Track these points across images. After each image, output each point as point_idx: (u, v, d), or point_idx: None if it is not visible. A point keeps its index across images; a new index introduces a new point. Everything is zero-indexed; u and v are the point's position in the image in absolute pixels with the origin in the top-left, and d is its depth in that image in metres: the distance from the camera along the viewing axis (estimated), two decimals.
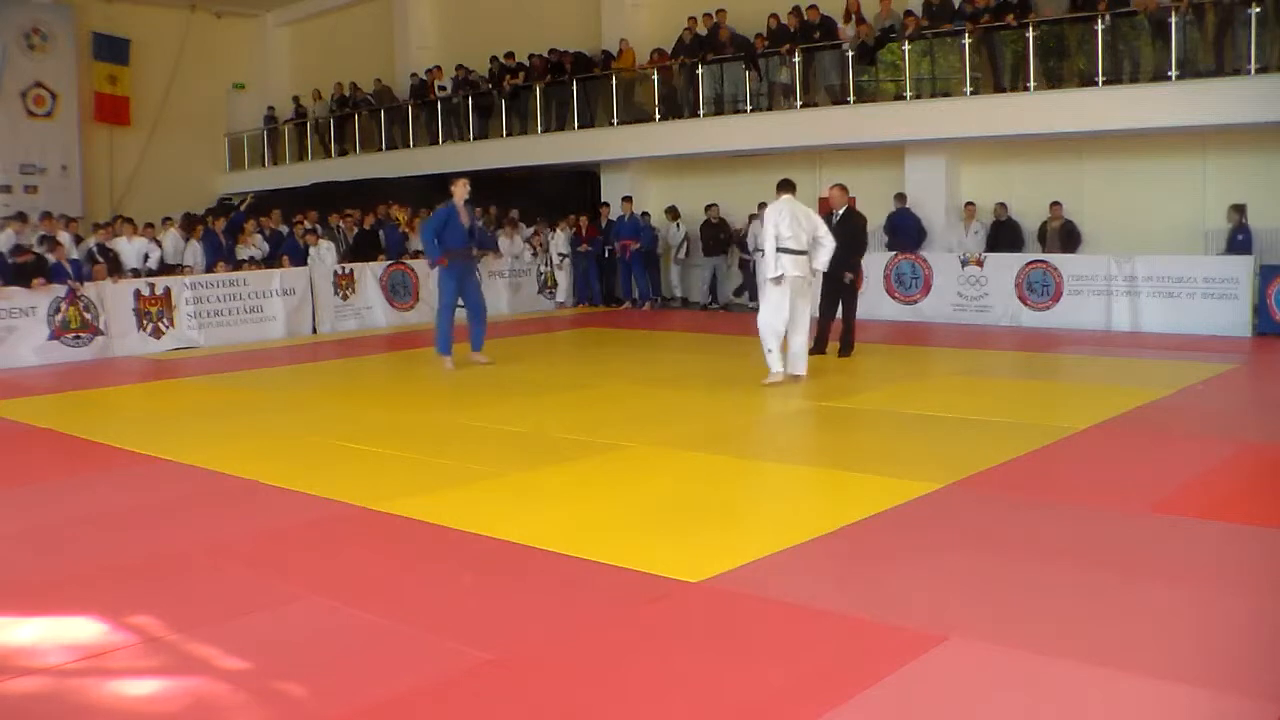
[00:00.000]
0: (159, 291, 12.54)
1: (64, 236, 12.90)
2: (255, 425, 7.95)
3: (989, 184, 14.21)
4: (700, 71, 15.78)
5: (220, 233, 13.97)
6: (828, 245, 8.86)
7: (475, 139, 18.67)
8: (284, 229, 14.88)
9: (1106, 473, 5.95)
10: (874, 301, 13.09)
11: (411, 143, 19.80)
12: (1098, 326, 12.07)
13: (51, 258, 11.93)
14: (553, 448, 6.78)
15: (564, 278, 16.62)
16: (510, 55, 18.69)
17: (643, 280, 16.28)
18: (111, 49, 21.62)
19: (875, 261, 13.28)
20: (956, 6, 13.79)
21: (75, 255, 12.50)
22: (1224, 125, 11.67)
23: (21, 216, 14.14)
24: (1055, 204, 13.19)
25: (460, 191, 10.26)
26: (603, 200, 17.31)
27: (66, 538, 5.23)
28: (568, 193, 17.98)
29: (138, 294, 12.35)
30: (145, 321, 12.41)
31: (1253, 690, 3.27)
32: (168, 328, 12.59)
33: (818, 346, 9.94)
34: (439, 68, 19.89)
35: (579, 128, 17.24)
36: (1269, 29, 11.33)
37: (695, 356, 11.25)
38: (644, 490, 5.79)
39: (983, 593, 4.12)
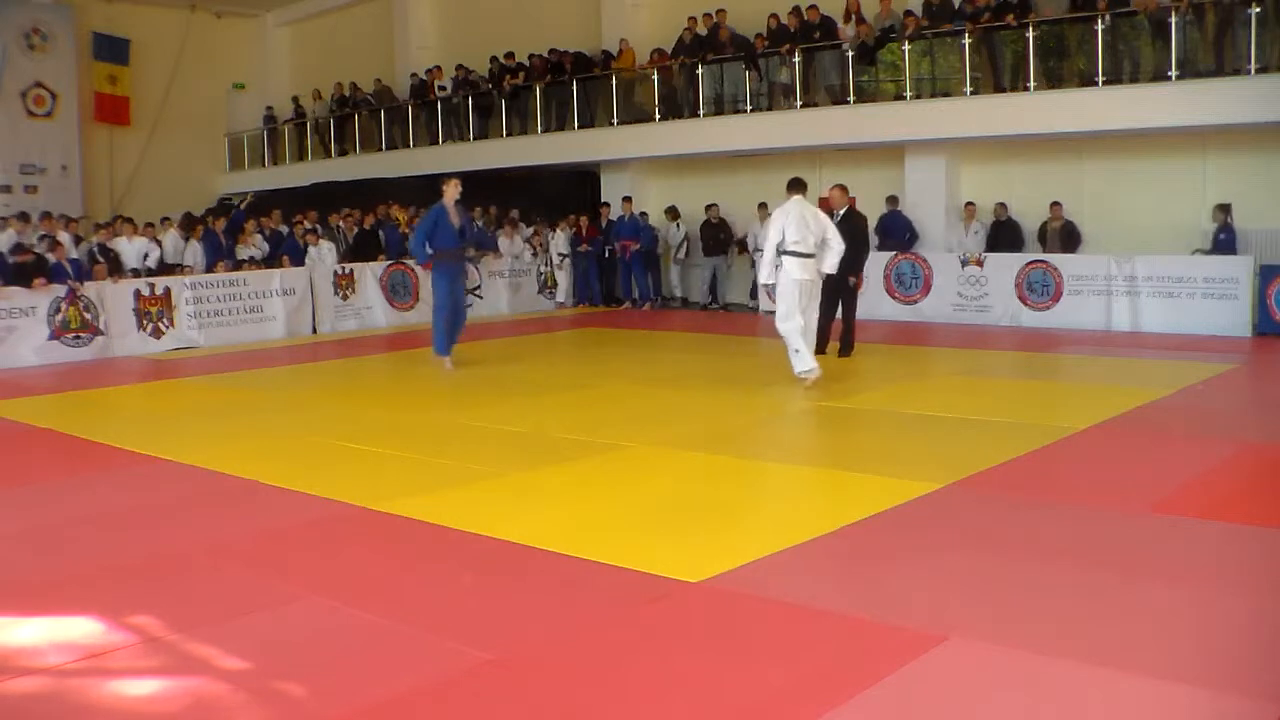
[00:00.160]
0: (159, 291, 12.54)
1: (64, 236, 12.90)
2: (255, 425, 7.95)
3: (989, 184, 14.21)
4: (700, 71, 15.78)
5: (220, 233, 13.97)
6: (836, 248, 8.74)
7: (475, 139, 18.67)
8: (284, 229, 14.88)
9: (1106, 473, 5.95)
10: (874, 301, 13.08)
11: (411, 143, 19.80)
12: (1098, 326, 12.07)
13: (51, 257, 11.94)
14: (553, 448, 6.78)
15: (564, 278, 16.62)
16: (510, 55, 18.69)
17: (643, 280, 16.27)
18: (111, 49, 21.61)
19: (875, 261, 13.26)
20: (956, 6, 13.79)
21: (75, 255, 12.51)
22: (1224, 125, 11.67)
23: (23, 216, 14.14)
24: (1055, 204, 13.20)
25: (451, 192, 10.22)
26: (603, 200, 17.31)
27: (66, 538, 5.23)
28: (568, 193, 17.98)
29: (138, 294, 12.35)
30: (145, 321, 12.41)
31: (1253, 690, 3.27)
32: (168, 328, 12.58)
33: (817, 347, 9.92)
34: (439, 68, 19.89)
35: (579, 128, 17.24)
36: (1269, 29, 11.32)
37: (695, 356, 11.25)
38: (644, 490, 5.79)
39: (983, 593, 4.12)
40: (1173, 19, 11.81)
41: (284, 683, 3.57)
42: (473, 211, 16.10)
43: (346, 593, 4.31)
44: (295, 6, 23.88)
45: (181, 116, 22.45)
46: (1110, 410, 7.39)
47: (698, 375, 9.76)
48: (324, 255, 14.36)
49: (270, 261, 14.10)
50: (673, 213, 16.44)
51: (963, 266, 13.17)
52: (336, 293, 14.16)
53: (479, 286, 15.55)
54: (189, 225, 14.27)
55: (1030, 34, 12.78)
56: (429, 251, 10.10)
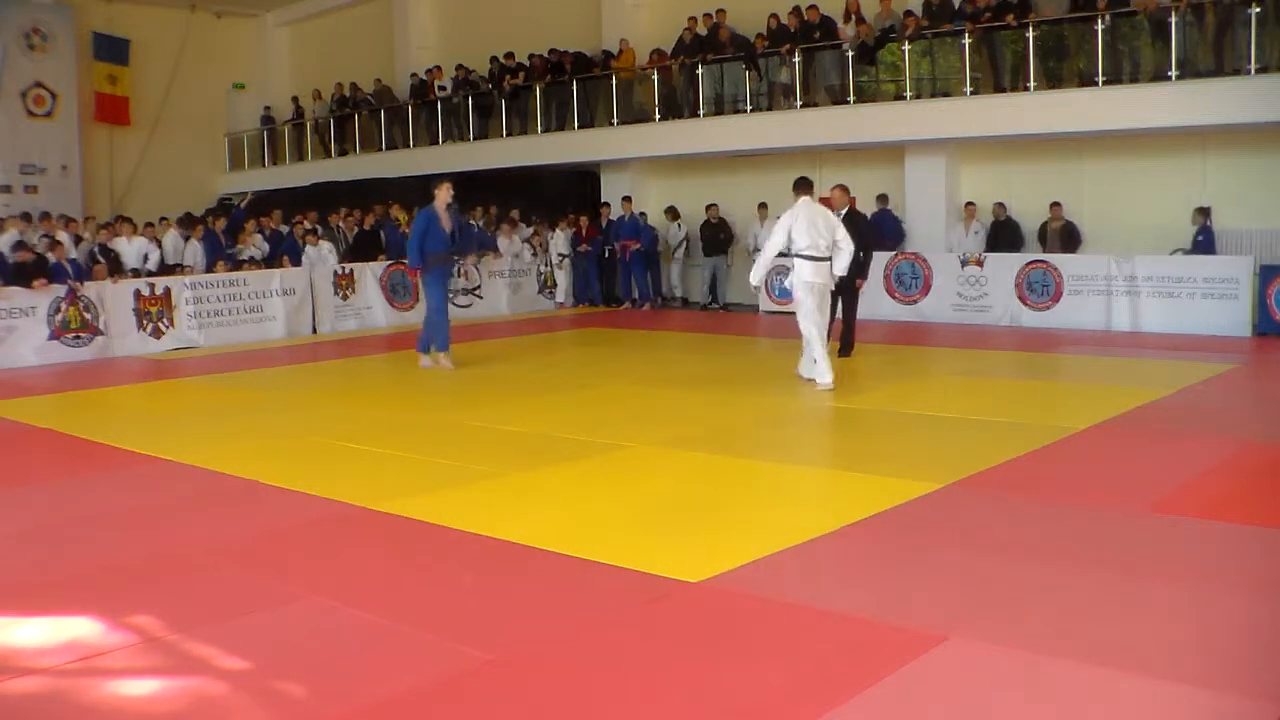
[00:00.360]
0: (159, 291, 12.54)
1: (63, 236, 12.90)
2: (255, 425, 7.95)
3: (989, 184, 14.21)
4: (700, 71, 15.78)
5: (220, 232, 13.97)
6: (846, 250, 8.61)
7: (475, 139, 18.67)
8: (284, 229, 14.89)
9: (1106, 473, 5.95)
10: (874, 301, 13.08)
11: (411, 143, 19.80)
12: (1098, 326, 12.07)
13: (51, 257, 11.94)
14: (553, 448, 6.78)
15: (563, 278, 16.62)
16: (510, 55, 18.69)
17: (643, 280, 16.27)
18: (111, 49, 21.62)
19: (874, 261, 13.27)
20: (956, 6, 13.79)
21: (74, 255, 12.51)
22: (1224, 125, 11.67)
23: (25, 216, 14.14)
24: (1055, 204, 13.19)
25: (443, 196, 10.25)
26: (603, 200, 17.31)
27: (66, 538, 5.23)
28: (568, 193, 17.98)
29: (138, 294, 12.35)
30: (145, 321, 12.41)
31: (1253, 690, 3.27)
32: (168, 328, 12.58)
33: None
34: (439, 68, 19.89)
35: (579, 128, 17.24)
36: (1269, 29, 11.32)
37: (695, 356, 11.25)
38: (644, 490, 5.79)
39: (983, 593, 4.12)
40: (1173, 19, 11.82)
41: (284, 683, 3.57)
42: (473, 212, 16.17)
43: (346, 593, 4.31)
44: (295, 6, 23.88)
45: (181, 116, 22.46)
46: (1110, 410, 7.39)
47: (698, 375, 9.76)
48: (323, 255, 14.36)
49: (270, 261, 14.10)
50: (673, 213, 16.45)
51: (962, 266, 13.18)
52: (336, 293, 14.17)
53: (479, 286, 15.56)
54: (188, 224, 14.27)
55: (1030, 34, 12.78)
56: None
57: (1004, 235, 13.57)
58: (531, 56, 18.37)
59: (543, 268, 16.53)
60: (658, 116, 16.30)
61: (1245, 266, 11.40)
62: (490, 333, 13.55)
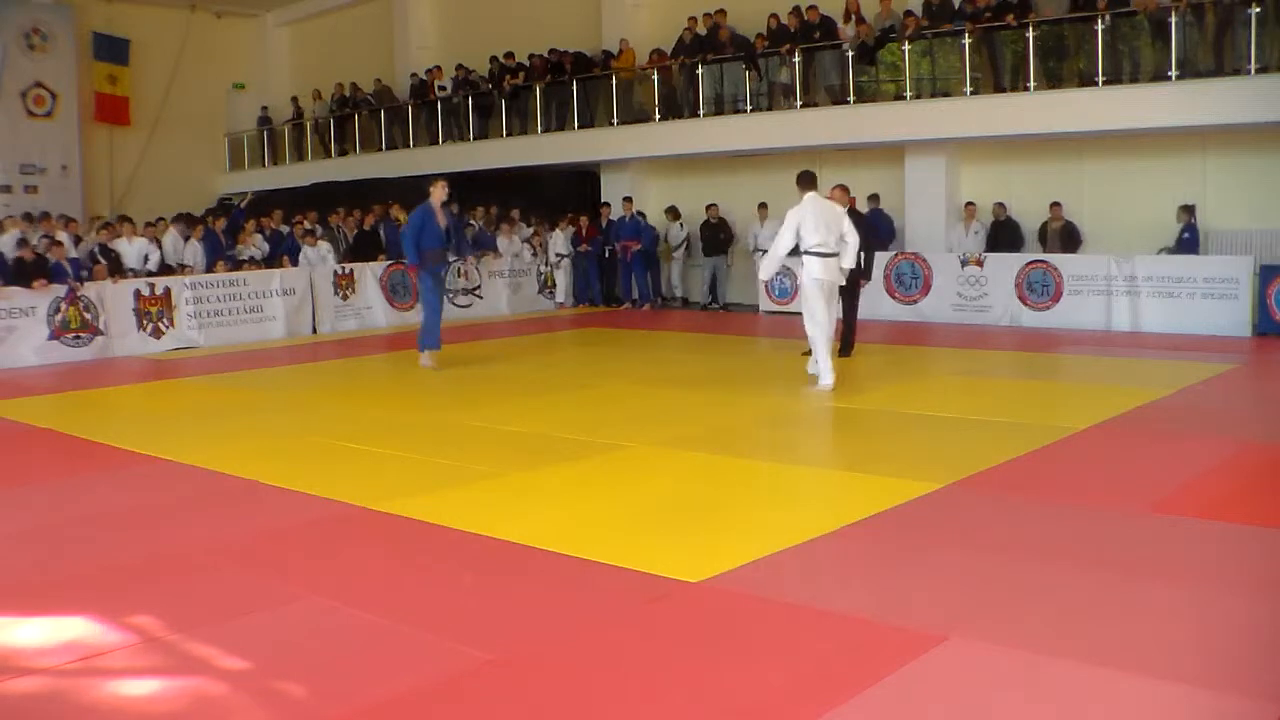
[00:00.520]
0: (159, 291, 12.54)
1: (63, 236, 12.90)
2: (255, 425, 7.95)
3: (989, 184, 14.20)
4: (700, 71, 15.78)
5: (220, 232, 13.97)
6: (852, 243, 8.52)
7: (475, 139, 18.67)
8: (284, 229, 14.89)
9: (1106, 473, 5.95)
10: (874, 301, 13.07)
11: (411, 143, 19.80)
12: (1098, 326, 12.07)
13: (51, 257, 11.93)
14: (553, 448, 6.78)
15: (562, 278, 16.61)
16: (510, 55, 18.69)
17: (643, 280, 16.27)
18: (111, 49, 21.62)
19: (874, 261, 13.27)
20: (956, 6, 13.79)
21: (74, 254, 12.50)
22: (1224, 125, 11.67)
23: (28, 217, 14.14)
24: (1055, 204, 13.19)
25: (438, 193, 10.26)
26: (603, 200, 17.31)
27: (66, 538, 5.23)
28: (568, 193, 17.98)
29: (138, 294, 12.36)
30: (145, 321, 12.41)
31: (1253, 690, 3.27)
32: (168, 328, 12.59)
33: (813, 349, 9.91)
34: (439, 68, 19.89)
35: (579, 128, 17.24)
36: (1269, 29, 11.32)
37: (695, 356, 11.25)
38: (644, 490, 5.79)
39: (983, 593, 4.12)
40: (1173, 19, 11.81)
41: (284, 683, 3.57)
42: (474, 212, 16.17)
43: (346, 593, 4.31)
44: (295, 6, 23.88)
45: (181, 116, 22.46)
46: (1110, 410, 7.39)
47: (698, 375, 9.76)
48: (322, 256, 14.37)
49: (270, 261, 14.10)
50: (673, 212, 16.45)
51: (962, 266, 13.18)
52: (336, 293, 14.17)
53: (479, 286, 15.56)
54: (187, 224, 14.26)
55: (1030, 34, 12.78)
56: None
57: (1004, 235, 13.56)
58: (531, 56, 18.37)
59: (543, 268, 16.53)
60: (658, 116, 16.31)
61: (1245, 266, 11.39)
62: (490, 333, 13.55)
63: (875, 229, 13.87)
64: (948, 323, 13.09)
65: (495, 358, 11.23)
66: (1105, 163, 13.30)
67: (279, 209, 15.80)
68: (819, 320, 8.43)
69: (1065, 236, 13.09)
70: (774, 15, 15.23)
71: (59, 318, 11.66)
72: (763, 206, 15.38)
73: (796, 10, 15.01)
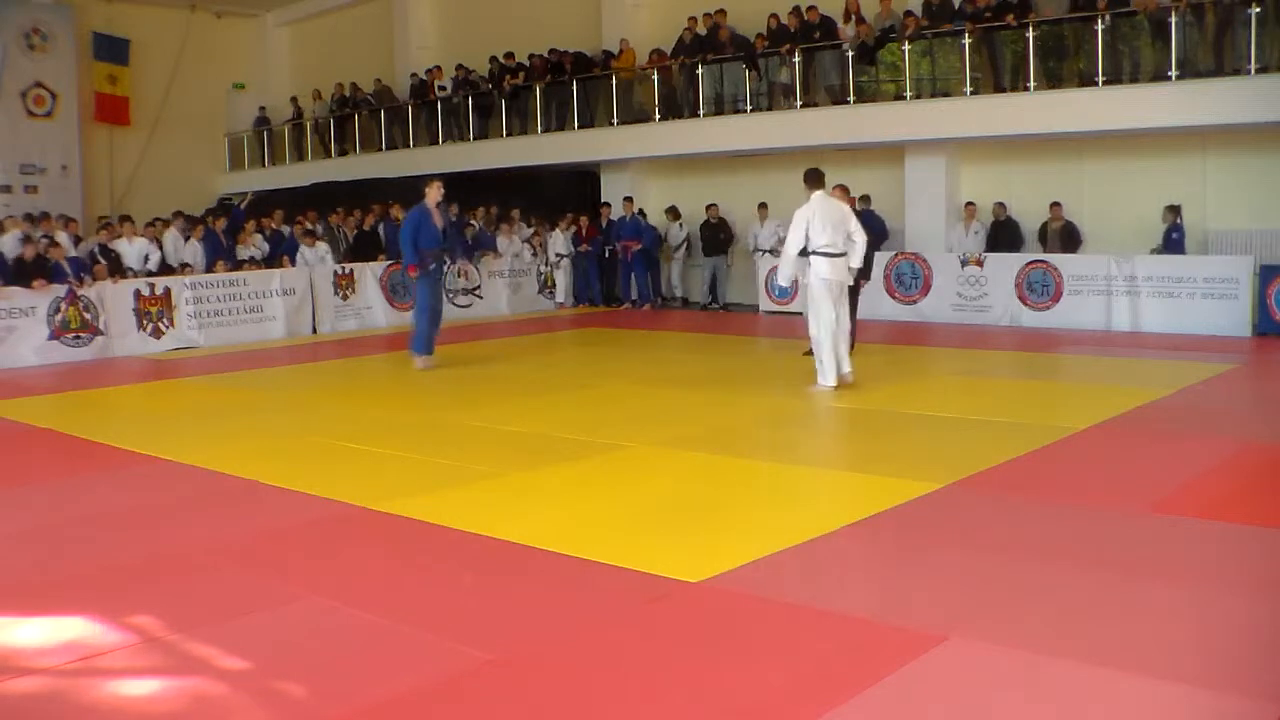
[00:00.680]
0: (159, 291, 12.54)
1: (62, 237, 12.90)
2: (255, 425, 7.95)
3: (989, 184, 14.20)
4: (700, 71, 15.78)
5: (220, 232, 13.97)
6: (859, 242, 8.45)
7: (475, 139, 18.67)
8: (285, 229, 14.89)
9: (1106, 473, 5.95)
10: (874, 301, 13.07)
11: (411, 143, 19.79)
12: (1098, 326, 12.07)
13: (50, 258, 11.93)
14: (553, 448, 6.78)
15: (562, 278, 16.61)
16: (510, 55, 18.69)
17: (643, 280, 16.27)
18: (111, 49, 21.61)
19: (875, 262, 13.27)
20: (956, 6, 13.79)
21: (74, 254, 12.50)
22: (1224, 125, 11.67)
23: (29, 217, 14.14)
24: (1055, 204, 13.19)
25: (433, 194, 10.25)
26: (603, 200, 17.31)
27: (66, 538, 5.23)
28: (568, 193, 17.98)
29: (138, 294, 12.35)
30: (145, 321, 12.41)
31: (1253, 690, 3.27)
32: (168, 328, 12.58)
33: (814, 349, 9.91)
34: (439, 68, 19.89)
35: (579, 128, 17.24)
36: (1269, 29, 11.32)
37: (695, 356, 11.25)
38: (644, 490, 5.79)
39: (983, 593, 4.12)
40: (1173, 19, 11.81)
41: (284, 683, 3.57)
42: (474, 212, 16.17)
43: (346, 593, 4.31)
44: (295, 6, 23.88)
45: (181, 116, 22.45)
46: (1110, 410, 7.39)
47: (698, 375, 9.76)
48: (320, 256, 14.37)
49: (270, 262, 14.10)
50: (673, 212, 16.44)
51: (962, 266, 13.18)
52: (336, 293, 14.17)
53: (479, 286, 15.56)
54: (186, 223, 14.27)
55: (1030, 34, 12.78)
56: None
57: (1004, 235, 13.56)
58: (531, 56, 18.37)
59: (543, 268, 16.53)
60: (658, 116, 16.30)
61: (1245, 266, 11.40)
62: (490, 333, 13.55)
63: (869, 229, 13.87)
64: (948, 323, 13.09)
65: (495, 358, 11.23)
66: (1105, 163, 13.30)
67: (279, 209, 15.80)
68: (823, 320, 8.37)
69: (1065, 236, 13.09)
70: (774, 15, 15.22)
71: (59, 318, 11.66)
72: (763, 206, 15.39)
73: (796, 10, 15.01)
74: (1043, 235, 13.34)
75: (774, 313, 14.79)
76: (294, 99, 22.93)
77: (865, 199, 14.09)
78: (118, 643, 3.86)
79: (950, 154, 14.20)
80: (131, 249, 13.17)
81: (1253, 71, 11.28)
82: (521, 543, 4.81)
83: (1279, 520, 4.90)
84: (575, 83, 17.28)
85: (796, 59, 14.69)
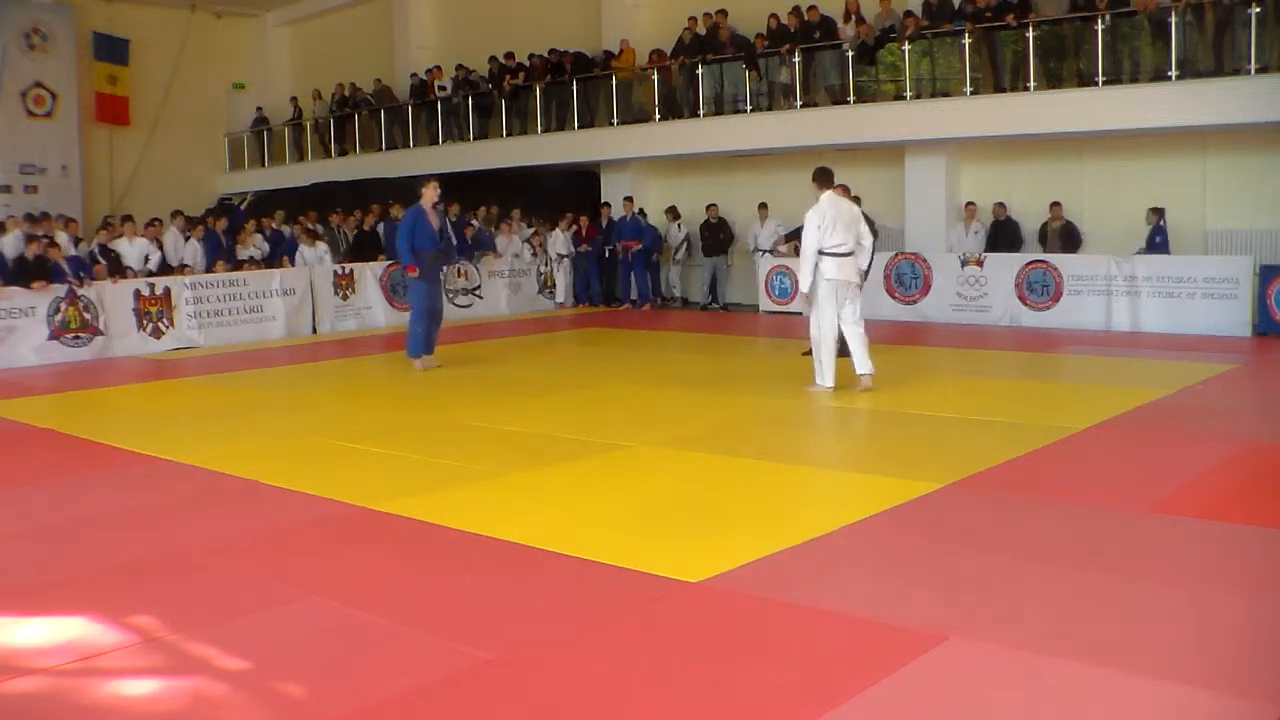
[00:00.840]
0: (159, 291, 12.54)
1: (62, 237, 12.90)
2: (255, 425, 7.95)
3: (989, 184, 14.21)
4: (700, 71, 15.78)
5: (220, 233, 13.97)
6: (867, 244, 8.41)
7: (475, 139, 18.67)
8: (286, 230, 14.89)
9: (1106, 473, 5.95)
10: (873, 301, 13.03)
11: (411, 143, 19.80)
12: (1098, 326, 12.07)
13: (49, 257, 11.93)
14: (553, 448, 6.78)
15: (561, 278, 16.61)
16: (510, 55, 18.69)
17: (642, 280, 16.27)
18: (111, 49, 21.61)
19: (873, 262, 13.27)
20: (956, 6, 13.80)
21: (74, 253, 12.50)
22: (1224, 125, 11.67)
23: (30, 217, 14.15)
24: (1055, 204, 13.19)
25: (430, 194, 10.20)
26: (603, 200, 17.31)
27: (66, 538, 5.23)
28: (568, 193, 17.98)
29: (138, 294, 12.36)
30: (145, 321, 12.41)
31: (1253, 690, 3.27)
32: (168, 328, 12.59)
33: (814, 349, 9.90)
34: (439, 68, 19.89)
35: (579, 128, 17.24)
36: (1269, 29, 11.32)
37: (695, 357, 11.24)
38: (644, 490, 5.79)
39: (983, 593, 4.12)
40: (1173, 19, 11.82)
41: (284, 683, 3.57)
42: (476, 212, 16.17)
43: (346, 593, 4.31)
44: (295, 6, 23.88)
45: (181, 116, 22.46)
46: (1110, 410, 7.39)
47: (698, 375, 9.76)
48: (319, 256, 14.37)
49: (270, 262, 14.10)
50: (673, 212, 16.44)
51: (962, 266, 13.18)
52: (336, 293, 14.17)
53: (479, 286, 15.56)
54: (186, 222, 14.27)
55: (1030, 34, 12.78)
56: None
57: (1004, 235, 13.57)
58: (531, 56, 18.38)
59: (542, 268, 16.53)
60: (658, 116, 16.31)
61: (1245, 266, 11.40)
62: (490, 333, 13.55)
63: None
64: (948, 323, 13.10)
65: (495, 358, 11.23)
66: (1105, 163, 13.30)
67: (279, 209, 15.81)
68: (825, 321, 8.31)
69: (1065, 236, 13.09)
70: (774, 15, 15.23)
71: (59, 318, 11.66)
72: (763, 206, 15.39)
73: (796, 10, 15.02)
74: (1043, 235, 13.34)
75: (774, 313, 14.79)
76: (294, 99, 22.93)
77: (856, 200, 14.09)
78: (118, 643, 3.86)
79: (950, 154, 14.21)
80: (132, 249, 13.17)
81: (1253, 71, 11.28)
82: (521, 543, 4.81)
83: (1279, 520, 4.90)
84: (575, 83, 17.29)
85: (796, 59, 14.70)
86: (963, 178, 14.50)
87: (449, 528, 5.09)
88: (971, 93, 13.23)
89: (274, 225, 14.96)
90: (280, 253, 14.30)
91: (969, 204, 13.94)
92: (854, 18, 14.47)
